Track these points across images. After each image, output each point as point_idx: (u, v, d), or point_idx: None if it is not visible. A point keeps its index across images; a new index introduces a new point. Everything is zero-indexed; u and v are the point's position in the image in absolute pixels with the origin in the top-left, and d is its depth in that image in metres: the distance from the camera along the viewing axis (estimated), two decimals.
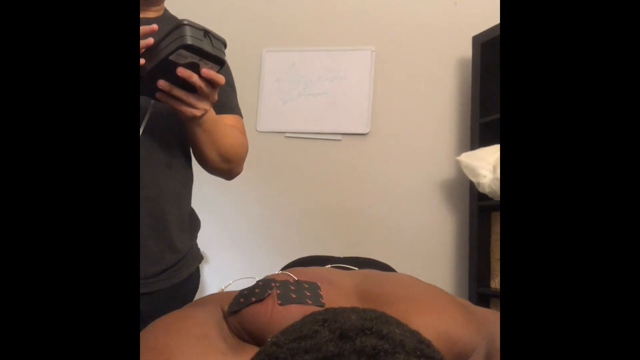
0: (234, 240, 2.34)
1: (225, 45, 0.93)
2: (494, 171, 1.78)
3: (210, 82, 0.93)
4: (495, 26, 1.94)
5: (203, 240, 1.24)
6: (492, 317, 0.71)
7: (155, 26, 0.90)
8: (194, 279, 1.19)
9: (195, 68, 0.90)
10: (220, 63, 0.92)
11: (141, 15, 1.09)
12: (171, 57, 0.87)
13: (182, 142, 1.10)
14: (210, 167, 1.13)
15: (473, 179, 1.86)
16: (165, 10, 1.18)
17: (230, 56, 1.10)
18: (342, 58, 2.32)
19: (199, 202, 1.23)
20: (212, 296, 0.76)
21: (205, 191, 1.22)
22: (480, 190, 1.85)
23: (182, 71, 0.89)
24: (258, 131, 2.34)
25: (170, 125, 1.06)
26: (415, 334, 0.45)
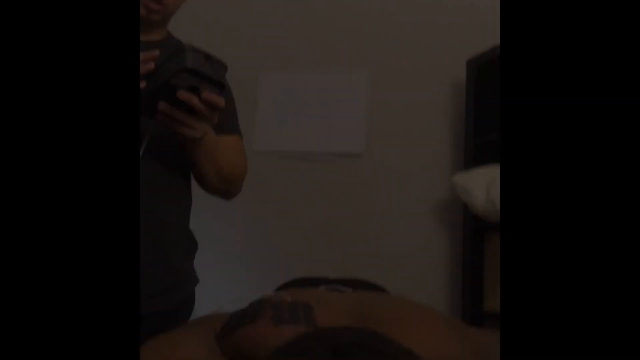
0: (226, 260, 2.32)
1: (226, 70, 0.95)
2: (487, 192, 1.78)
3: (211, 105, 0.94)
4: (490, 50, 1.97)
5: (195, 260, 1.23)
6: (486, 339, 0.70)
7: (156, 53, 0.91)
8: (190, 302, 1.18)
9: (195, 91, 0.91)
10: (220, 86, 0.93)
11: (144, 38, 1.10)
12: (172, 80, 0.88)
13: (182, 164, 1.11)
14: (209, 188, 1.14)
15: (466, 200, 1.87)
16: (169, 33, 1.19)
17: (227, 76, 1.11)
18: (337, 80, 2.34)
19: (191, 221, 1.22)
20: (205, 318, 0.76)
21: (197, 209, 1.22)
22: (473, 211, 1.86)
23: (182, 94, 0.90)
24: (253, 151, 2.34)
25: (171, 146, 1.06)
26: (408, 352, 0.45)
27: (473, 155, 1.97)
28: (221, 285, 2.26)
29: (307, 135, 2.33)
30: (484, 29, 2.13)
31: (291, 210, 2.32)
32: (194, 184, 1.17)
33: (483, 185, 1.81)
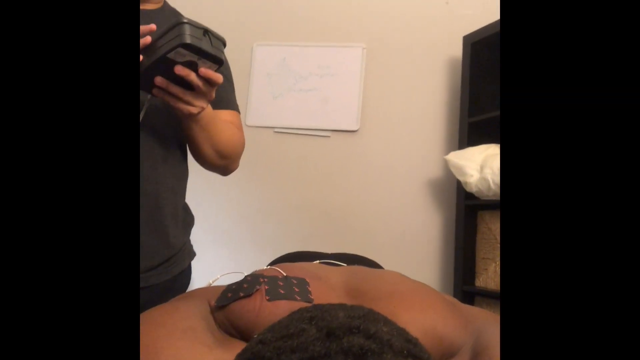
0: (221, 235, 2.33)
1: (224, 45, 0.93)
2: (481, 171, 1.79)
3: (208, 81, 0.93)
4: (486, 26, 1.95)
5: (192, 234, 1.24)
6: (479, 315, 0.71)
7: (153, 26, 0.89)
8: (186, 276, 1.19)
9: (193, 66, 0.90)
10: (218, 62, 0.92)
11: (141, 7, 1.08)
12: (169, 55, 0.87)
13: (178, 137, 1.10)
14: (206, 164, 1.13)
15: (460, 178, 1.87)
16: (165, 3, 1.17)
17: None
18: (333, 54, 2.32)
19: (187, 196, 1.22)
20: (200, 290, 0.76)
21: (192, 185, 1.22)
22: (467, 189, 1.87)
23: (179, 69, 0.89)
24: (247, 125, 2.33)
25: (167, 120, 1.06)
26: (402, 333, 0.45)
27: (468, 133, 1.98)
28: (214, 258, 2.28)
29: (301, 110, 2.32)
30: (481, 5, 2.12)
31: (285, 185, 2.32)
32: (190, 158, 1.16)
33: (477, 164, 1.81)
